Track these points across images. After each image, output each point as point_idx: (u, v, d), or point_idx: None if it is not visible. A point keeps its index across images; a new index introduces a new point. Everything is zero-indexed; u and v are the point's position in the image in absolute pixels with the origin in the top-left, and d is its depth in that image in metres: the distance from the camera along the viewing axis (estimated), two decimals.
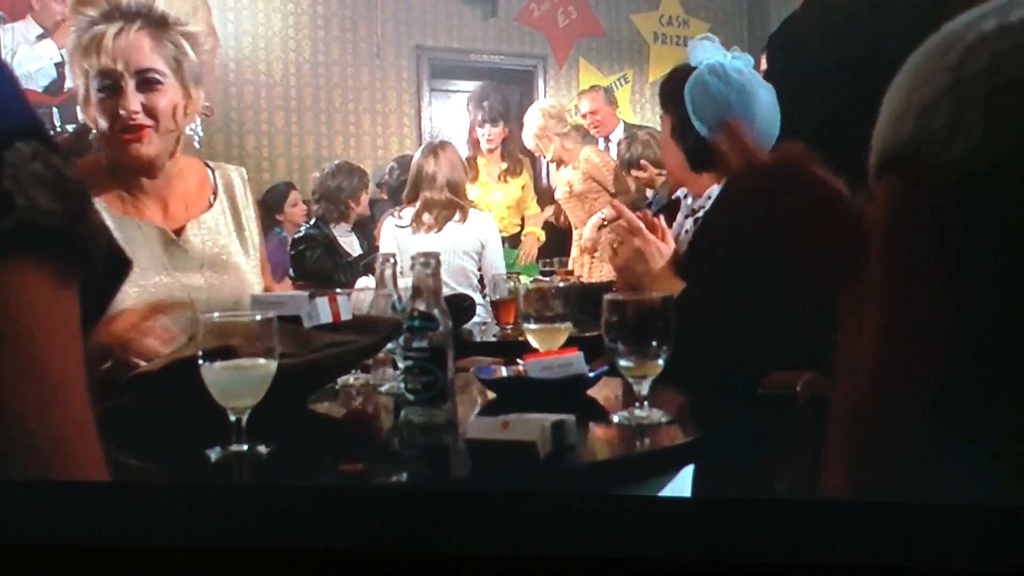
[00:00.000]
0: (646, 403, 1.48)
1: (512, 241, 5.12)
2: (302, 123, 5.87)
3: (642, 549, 1.09)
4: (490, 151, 5.11)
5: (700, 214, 2.18)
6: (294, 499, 1.22)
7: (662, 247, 2.08)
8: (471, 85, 6.67)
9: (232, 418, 1.36)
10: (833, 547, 1.02)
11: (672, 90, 2.18)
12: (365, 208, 4.92)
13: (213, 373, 1.37)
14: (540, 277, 4.28)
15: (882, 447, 0.83)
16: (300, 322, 1.66)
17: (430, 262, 1.53)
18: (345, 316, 1.71)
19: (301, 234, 4.68)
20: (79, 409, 0.90)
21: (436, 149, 4.13)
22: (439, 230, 4.01)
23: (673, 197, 2.34)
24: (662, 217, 2.16)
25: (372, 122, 6.08)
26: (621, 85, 6.56)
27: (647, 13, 6.52)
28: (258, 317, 1.42)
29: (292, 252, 4.60)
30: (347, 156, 5.42)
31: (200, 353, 1.37)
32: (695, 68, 2.14)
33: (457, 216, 4.04)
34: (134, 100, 1.90)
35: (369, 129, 6.07)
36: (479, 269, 4.18)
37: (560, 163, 5.05)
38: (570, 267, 4.60)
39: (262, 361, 1.39)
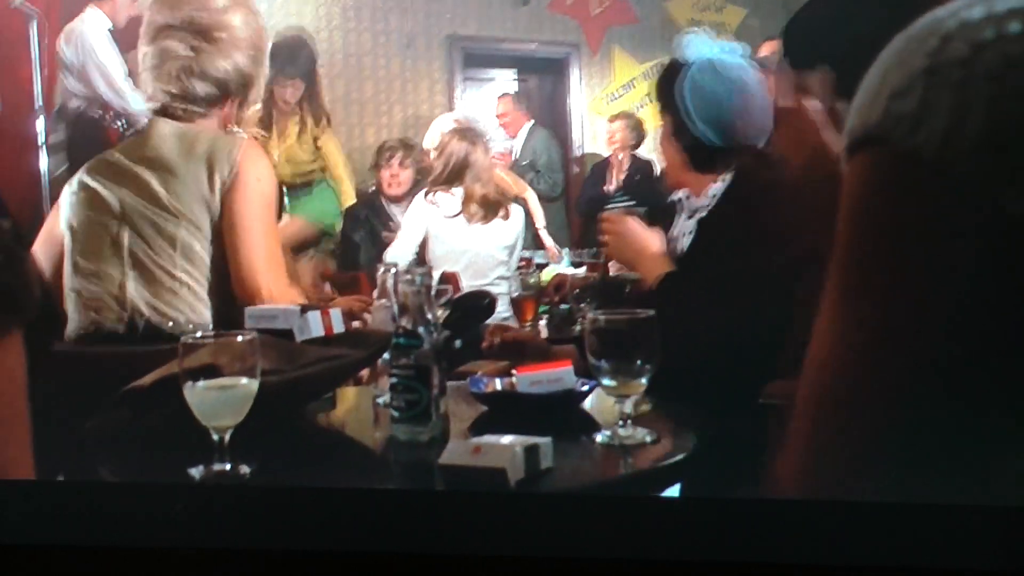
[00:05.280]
0: (630, 421, 1.47)
1: None
2: (333, 114, 5.83)
3: (640, 549, 1.10)
4: (284, 110, 4.82)
5: (702, 213, 2.16)
6: (291, 499, 1.23)
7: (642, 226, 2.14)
8: (504, 74, 6.67)
9: (215, 437, 1.38)
10: (832, 547, 1.03)
11: (667, 89, 2.16)
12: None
13: (195, 393, 1.38)
14: (566, 270, 4.27)
15: (835, 435, 0.81)
16: (292, 336, 1.66)
17: (415, 279, 1.53)
18: (338, 330, 1.71)
19: None
20: (18, 455, 0.92)
21: (483, 139, 4.10)
22: (485, 223, 3.95)
23: (670, 200, 2.32)
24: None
25: (404, 112, 6.06)
26: (656, 73, 6.47)
27: None
28: (242, 336, 1.42)
29: None
30: None
31: (182, 372, 1.39)
32: (689, 64, 2.11)
33: (502, 212, 4.01)
34: None
35: (401, 120, 6.07)
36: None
37: None
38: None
39: (244, 381, 1.40)
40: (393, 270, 1.92)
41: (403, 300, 1.52)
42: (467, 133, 4.07)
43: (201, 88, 2.06)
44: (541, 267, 4.68)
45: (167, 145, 2.02)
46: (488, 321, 3.48)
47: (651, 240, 2.12)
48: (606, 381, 1.47)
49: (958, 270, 0.75)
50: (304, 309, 1.67)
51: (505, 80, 6.68)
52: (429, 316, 1.54)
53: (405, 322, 1.51)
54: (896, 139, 0.75)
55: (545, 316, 3.51)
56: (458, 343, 3.11)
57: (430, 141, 4.89)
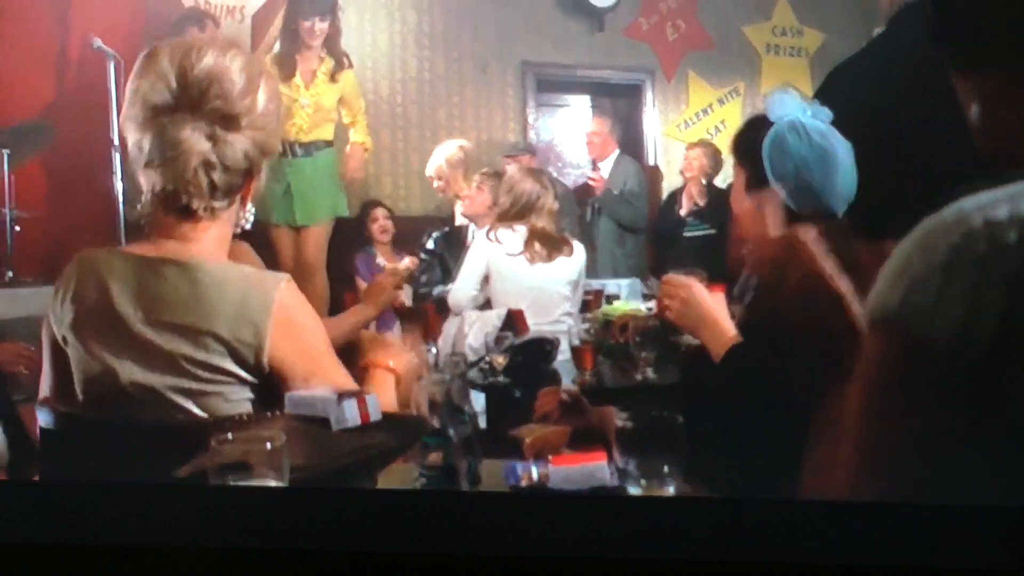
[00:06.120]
0: None
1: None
2: (407, 140, 5.93)
3: (641, 549, 1.11)
4: (309, 48, 4.88)
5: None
6: (294, 500, 1.25)
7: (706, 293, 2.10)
8: (579, 100, 6.66)
9: None
10: (833, 547, 1.07)
11: (747, 143, 2.14)
12: None
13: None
14: (635, 306, 4.24)
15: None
16: (328, 424, 1.68)
17: (445, 380, 1.54)
18: (374, 417, 1.71)
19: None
20: None
21: (550, 178, 4.11)
22: (549, 261, 3.95)
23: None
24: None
25: (477, 138, 6.07)
26: (731, 99, 6.43)
27: (759, 24, 6.35)
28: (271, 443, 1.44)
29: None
30: None
31: (211, 470, 1.42)
32: (772, 122, 2.09)
33: (565, 248, 4.01)
34: None
35: (474, 145, 6.09)
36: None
37: None
38: None
39: (272, 484, 1.42)
40: (434, 349, 1.93)
41: (432, 398, 1.53)
42: (539, 175, 4.07)
43: (223, 181, 1.73)
44: (610, 299, 4.66)
45: (188, 312, 1.70)
46: (553, 365, 3.51)
47: (714, 307, 2.09)
48: (632, 488, 1.46)
49: (962, 434, 0.81)
50: (340, 397, 1.68)
51: (580, 106, 6.67)
52: (464, 407, 1.55)
53: (435, 421, 1.52)
54: (913, 327, 0.80)
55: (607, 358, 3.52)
56: (518, 393, 3.13)
57: (432, 167, 5.00)
